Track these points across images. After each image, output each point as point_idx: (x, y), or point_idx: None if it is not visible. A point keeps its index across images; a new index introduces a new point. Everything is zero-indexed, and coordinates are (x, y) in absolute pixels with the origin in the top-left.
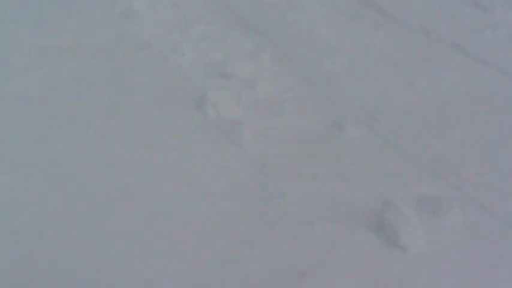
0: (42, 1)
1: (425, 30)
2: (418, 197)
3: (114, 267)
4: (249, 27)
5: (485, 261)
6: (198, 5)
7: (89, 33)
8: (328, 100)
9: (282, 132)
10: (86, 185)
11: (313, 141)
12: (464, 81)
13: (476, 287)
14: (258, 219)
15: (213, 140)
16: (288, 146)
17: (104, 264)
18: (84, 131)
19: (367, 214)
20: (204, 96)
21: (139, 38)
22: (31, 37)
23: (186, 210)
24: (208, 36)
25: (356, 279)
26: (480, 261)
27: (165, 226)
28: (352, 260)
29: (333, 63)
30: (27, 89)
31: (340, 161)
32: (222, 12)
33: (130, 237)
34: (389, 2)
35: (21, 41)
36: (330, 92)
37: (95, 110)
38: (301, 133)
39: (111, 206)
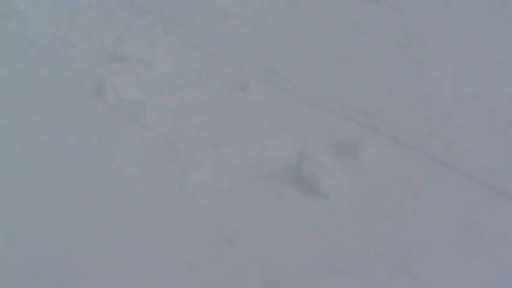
0: None
1: None
2: (333, 143)
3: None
4: (138, 6)
5: (406, 191)
6: None
7: None
8: (227, 65)
9: (186, 104)
10: None
11: (218, 108)
12: (357, 21)
13: (402, 217)
14: (177, 192)
15: (118, 125)
16: (194, 118)
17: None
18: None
19: (285, 169)
20: (102, 83)
21: (26, 37)
22: None
23: (100, 198)
24: (97, 22)
25: (283, 237)
26: (402, 192)
27: (86, 216)
28: (277, 219)
29: (226, 28)
30: None
31: (249, 122)
32: None
33: None
34: None
35: None
36: (227, 57)
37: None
38: (205, 102)
39: None
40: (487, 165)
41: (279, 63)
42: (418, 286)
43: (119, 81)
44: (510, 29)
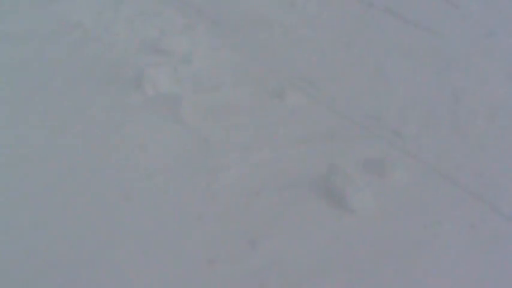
0: None
1: None
2: (363, 159)
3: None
4: (182, 2)
5: (430, 216)
6: None
7: (15, 19)
8: (266, 69)
9: (222, 104)
10: None
11: (253, 111)
12: (398, 42)
13: (423, 240)
14: (204, 191)
15: (153, 118)
16: (229, 118)
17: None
18: (38, 117)
19: (313, 180)
20: (141, 74)
21: (70, 19)
22: None
23: (129, 188)
24: (141, 13)
25: (307, 244)
26: (426, 216)
27: (115, 205)
28: (302, 227)
29: (268, 33)
30: None
31: (282, 129)
32: None
33: None
34: None
35: None
36: (267, 62)
37: (40, 96)
38: (241, 104)
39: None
40: None
41: (318, 75)
42: None
43: (158, 73)
44: None
